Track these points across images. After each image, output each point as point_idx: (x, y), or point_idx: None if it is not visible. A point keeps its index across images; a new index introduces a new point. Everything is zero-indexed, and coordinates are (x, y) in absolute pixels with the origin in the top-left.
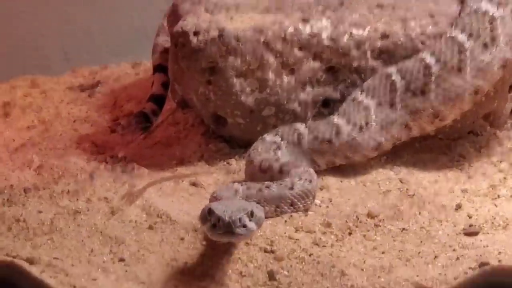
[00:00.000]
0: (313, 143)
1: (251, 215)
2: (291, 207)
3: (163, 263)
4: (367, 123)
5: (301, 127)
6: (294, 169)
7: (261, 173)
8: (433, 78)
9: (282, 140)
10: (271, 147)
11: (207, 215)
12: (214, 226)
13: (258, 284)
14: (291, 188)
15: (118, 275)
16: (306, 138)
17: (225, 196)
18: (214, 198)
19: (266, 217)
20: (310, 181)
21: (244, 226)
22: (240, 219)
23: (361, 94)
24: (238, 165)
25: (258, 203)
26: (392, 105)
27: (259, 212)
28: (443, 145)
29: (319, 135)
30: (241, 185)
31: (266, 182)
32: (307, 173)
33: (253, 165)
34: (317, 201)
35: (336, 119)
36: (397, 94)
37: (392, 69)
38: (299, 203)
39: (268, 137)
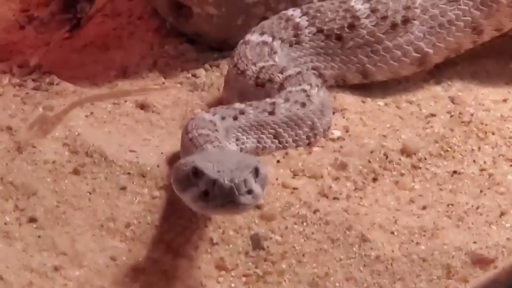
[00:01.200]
0: (318, 37)
1: (256, 174)
2: (275, 141)
3: (95, 224)
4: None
5: (296, 13)
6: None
7: (257, 89)
8: None
9: (273, 39)
10: (263, 50)
11: (192, 177)
12: (206, 194)
13: (236, 255)
14: (272, 113)
15: (27, 242)
16: (306, 32)
17: (203, 133)
18: (189, 139)
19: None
20: (303, 104)
21: (250, 191)
22: (245, 182)
23: None
24: (208, 77)
25: (236, 139)
26: None
27: (264, 168)
28: None
29: (329, 25)
30: (213, 113)
31: (239, 106)
32: (301, 91)
33: (245, 78)
34: (334, 132)
35: (354, 2)
36: None
37: None
38: (286, 135)
39: (254, 36)
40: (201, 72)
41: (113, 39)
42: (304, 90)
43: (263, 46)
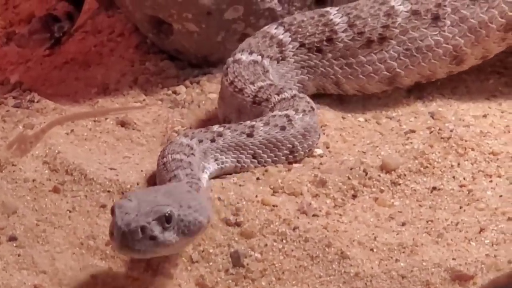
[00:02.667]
0: (301, 51)
1: (167, 220)
2: (254, 161)
3: (75, 242)
4: (386, 37)
5: (279, 30)
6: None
7: (254, 106)
8: None
9: (262, 57)
10: (256, 69)
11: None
12: (112, 234)
13: (216, 273)
14: (250, 135)
15: (7, 261)
16: (290, 47)
17: (177, 158)
18: (162, 163)
19: (228, 173)
20: (283, 128)
21: (153, 238)
22: (143, 229)
23: None
24: (189, 94)
25: (215, 159)
26: None
27: (190, 213)
28: (496, 61)
29: (309, 39)
30: (191, 137)
31: (217, 129)
32: (284, 116)
33: (243, 96)
34: (317, 150)
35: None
36: None
37: None
38: (265, 155)
39: (244, 55)
40: (181, 89)
41: (94, 56)
42: (287, 116)
43: (255, 65)
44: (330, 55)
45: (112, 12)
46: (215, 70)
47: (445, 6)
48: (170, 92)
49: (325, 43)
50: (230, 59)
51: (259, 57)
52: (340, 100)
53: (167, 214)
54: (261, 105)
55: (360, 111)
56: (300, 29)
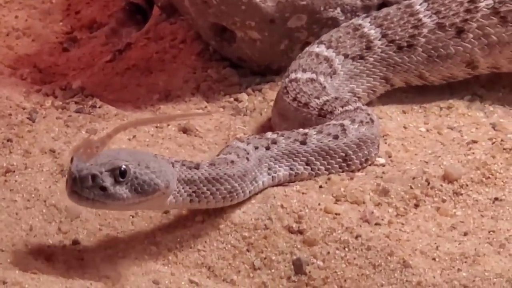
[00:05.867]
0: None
1: (121, 174)
2: (308, 168)
3: (137, 248)
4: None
5: (366, 23)
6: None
7: (319, 118)
8: None
9: (315, 73)
10: (315, 86)
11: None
12: (67, 181)
13: (278, 280)
14: (303, 143)
15: (70, 265)
16: (378, 43)
17: (223, 162)
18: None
19: (284, 182)
20: (336, 136)
21: (103, 188)
22: (94, 177)
23: None
24: (251, 101)
25: (269, 169)
26: None
27: (147, 173)
28: None
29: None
30: (246, 142)
31: (271, 136)
32: (338, 126)
33: (308, 109)
34: (380, 159)
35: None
36: None
37: None
38: (318, 163)
39: (299, 74)
40: (243, 96)
41: (156, 62)
42: (342, 125)
43: (313, 83)
44: (371, 65)
45: (174, 19)
46: (277, 78)
47: None
48: (232, 99)
49: (365, 51)
50: (286, 79)
51: (314, 75)
52: (402, 110)
53: (122, 168)
54: (326, 117)
55: (422, 122)
56: (339, 44)
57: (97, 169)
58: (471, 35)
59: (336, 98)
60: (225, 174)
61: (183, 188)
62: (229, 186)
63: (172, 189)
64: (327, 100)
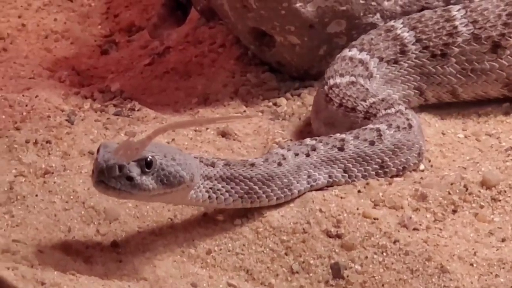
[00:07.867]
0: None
1: (147, 165)
2: (345, 175)
3: (176, 250)
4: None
5: (398, 24)
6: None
7: (364, 121)
8: None
9: (356, 78)
10: (358, 88)
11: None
12: (93, 171)
13: (316, 284)
14: (341, 149)
15: (108, 267)
16: (412, 48)
17: (240, 163)
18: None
19: (325, 186)
20: (372, 142)
21: (130, 178)
22: (121, 167)
23: None
24: (289, 106)
25: (309, 176)
26: None
27: (173, 165)
28: None
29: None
30: (287, 148)
31: (310, 142)
32: (374, 130)
33: (355, 113)
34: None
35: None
36: None
37: None
38: (355, 170)
39: (338, 79)
40: (282, 101)
41: (195, 66)
42: (378, 130)
43: (355, 85)
44: (405, 71)
45: (213, 23)
46: (316, 83)
47: None
48: (270, 104)
49: (399, 55)
50: (326, 87)
51: (353, 78)
52: (440, 116)
53: (148, 159)
54: (370, 119)
55: (460, 128)
56: (372, 46)
57: (123, 160)
58: (508, 52)
59: (383, 100)
60: (240, 175)
61: (201, 183)
62: (246, 187)
63: (196, 182)
64: (374, 102)
